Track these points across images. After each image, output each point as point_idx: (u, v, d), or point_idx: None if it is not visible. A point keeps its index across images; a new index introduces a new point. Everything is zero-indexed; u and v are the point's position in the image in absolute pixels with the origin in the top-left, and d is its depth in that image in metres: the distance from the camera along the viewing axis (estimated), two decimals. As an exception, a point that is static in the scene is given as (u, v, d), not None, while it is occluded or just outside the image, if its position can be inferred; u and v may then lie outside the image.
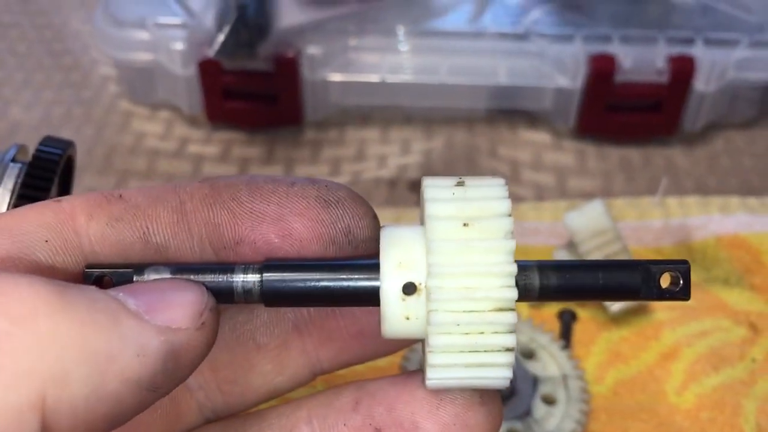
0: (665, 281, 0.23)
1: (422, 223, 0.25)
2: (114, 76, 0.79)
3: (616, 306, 0.52)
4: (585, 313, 0.54)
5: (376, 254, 0.24)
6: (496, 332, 0.22)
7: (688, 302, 0.24)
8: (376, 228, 0.25)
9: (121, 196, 0.24)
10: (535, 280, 0.23)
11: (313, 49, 0.69)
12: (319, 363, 0.27)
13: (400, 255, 0.23)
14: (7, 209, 0.38)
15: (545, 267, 0.23)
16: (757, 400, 0.50)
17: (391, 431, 0.25)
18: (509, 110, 0.74)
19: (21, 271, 0.23)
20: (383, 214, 0.62)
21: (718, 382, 0.51)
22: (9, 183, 0.39)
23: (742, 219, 0.60)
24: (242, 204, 0.24)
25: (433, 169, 0.70)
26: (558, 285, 0.23)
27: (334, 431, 0.26)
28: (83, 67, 0.81)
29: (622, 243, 0.50)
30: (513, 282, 0.22)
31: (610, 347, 0.53)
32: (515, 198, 0.66)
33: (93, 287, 0.21)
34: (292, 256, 0.24)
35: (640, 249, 0.58)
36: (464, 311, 0.22)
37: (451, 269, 0.22)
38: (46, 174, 0.40)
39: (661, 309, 0.55)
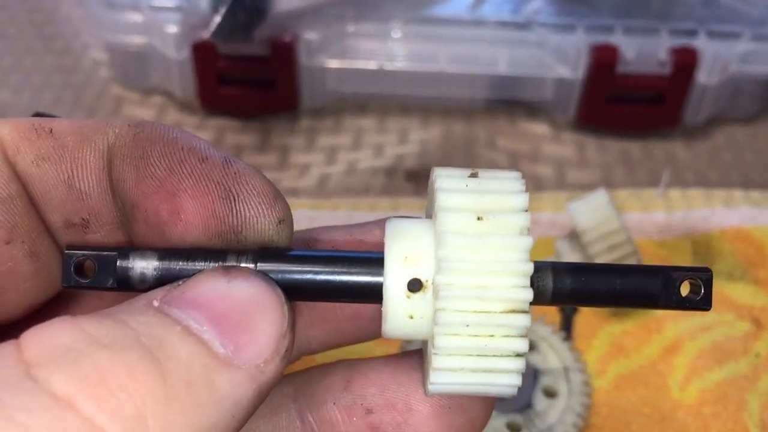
0: (685, 289, 0.22)
1: (428, 216, 0.23)
2: (105, 60, 0.77)
3: None
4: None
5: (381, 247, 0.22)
6: (507, 335, 0.21)
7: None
8: (283, 233, 0.22)
9: (51, 130, 0.23)
10: (548, 282, 0.22)
11: (310, 35, 0.67)
12: (308, 343, 0.26)
13: (406, 249, 0.21)
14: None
15: (560, 269, 0.22)
16: (761, 395, 0.49)
17: (382, 412, 0.24)
18: (508, 101, 0.73)
19: None
20: (380, 204, 0.61)
21: (721, 377, 0.50)
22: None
23: (745, 212, 0.59)
24: (149, 165, 0.22)
25: (430, 159, 0.69)
26: (572, 288, 0.22)
27: (322, 409, 0.25)
28: (74, 51, 0.79)
29: (626, 234, 0.48)
30: (528, 282, 0.21)
31: (612, 340, 0.52)
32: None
33: (178, 331, 0.19)
34: (176, 235, 0.22)
35: (643, 241, 0.57)
36: (474, 311, 0.21)
37: (462, 265, 0.21)
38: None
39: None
